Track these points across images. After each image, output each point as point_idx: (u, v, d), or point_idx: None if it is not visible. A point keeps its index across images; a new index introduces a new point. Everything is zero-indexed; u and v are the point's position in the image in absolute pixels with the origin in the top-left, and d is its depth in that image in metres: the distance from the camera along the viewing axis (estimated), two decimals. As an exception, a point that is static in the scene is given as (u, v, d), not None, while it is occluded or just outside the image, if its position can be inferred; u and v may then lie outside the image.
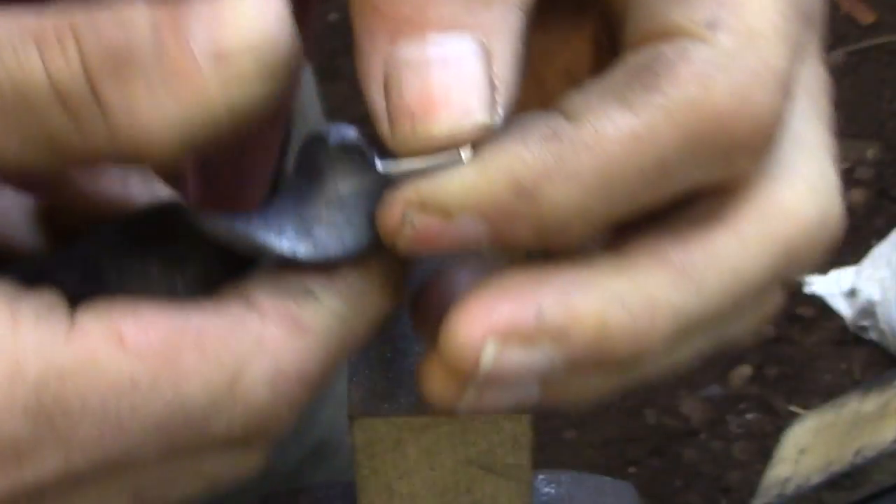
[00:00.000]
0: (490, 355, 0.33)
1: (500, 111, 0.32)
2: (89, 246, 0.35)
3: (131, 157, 0.32)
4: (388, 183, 0.33)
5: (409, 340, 0.42)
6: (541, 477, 0.53)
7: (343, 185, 0.34)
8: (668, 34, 0.33)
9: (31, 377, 0.31)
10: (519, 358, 0.33)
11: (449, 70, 0.32)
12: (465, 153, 0.32)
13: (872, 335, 2.02)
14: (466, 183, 0.32)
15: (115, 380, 0.31)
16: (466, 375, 0.33)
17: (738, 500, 1.91)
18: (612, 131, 0.32)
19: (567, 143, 0.32)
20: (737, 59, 0.32)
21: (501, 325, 0.32)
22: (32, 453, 0.31)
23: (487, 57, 0.32)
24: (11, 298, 0.32)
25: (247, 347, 0.32)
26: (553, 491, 0.53)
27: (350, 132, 0.34)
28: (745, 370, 2.04)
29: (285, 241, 0.33)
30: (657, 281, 0.33)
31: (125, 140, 0.31)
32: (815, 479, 1.46)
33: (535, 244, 0.33)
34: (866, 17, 2.35)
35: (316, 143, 0.34)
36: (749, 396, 2.02)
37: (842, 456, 1.44)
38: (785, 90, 0.32)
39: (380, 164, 0.33)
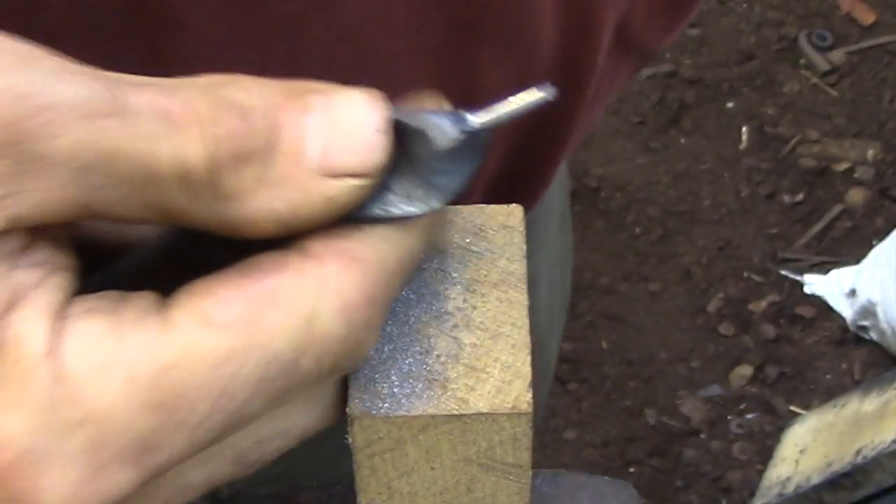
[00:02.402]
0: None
1: None
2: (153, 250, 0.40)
3: (230, 231, 0.37)
4: (467, 134, 0.38)
5: (410, 340, 0.42)
6: (541, 477, 0.53)
7: (435, 146, 0.38)
8: None
9: (145, 377, 0.35)
10: None
11: None
12: (549, 91, 0.38)
13: (872, 335, 2.02)
14: None
15: (212, 357, 0.35)
16: None
17: (738, 500, 1.91)
18: None
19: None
20: None
21: None
22: (162, 441, 0.35)
23: None
24: (112, 311, 0.36)
25: (313, 291, 0.36)
26: (553, 491, 0.53)
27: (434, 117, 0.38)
28: (745, 370, 2.04)
29: (418, 202, 0.38)
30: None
31: (229, 220, 0.36)
32: (815, 479, 1.46)
33: None
34: (866, 17, 2.35)
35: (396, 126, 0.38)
36: (749, 396, 2.02)
37: (842, 456, 1.44)
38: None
39: (473, 119, 0.38)
